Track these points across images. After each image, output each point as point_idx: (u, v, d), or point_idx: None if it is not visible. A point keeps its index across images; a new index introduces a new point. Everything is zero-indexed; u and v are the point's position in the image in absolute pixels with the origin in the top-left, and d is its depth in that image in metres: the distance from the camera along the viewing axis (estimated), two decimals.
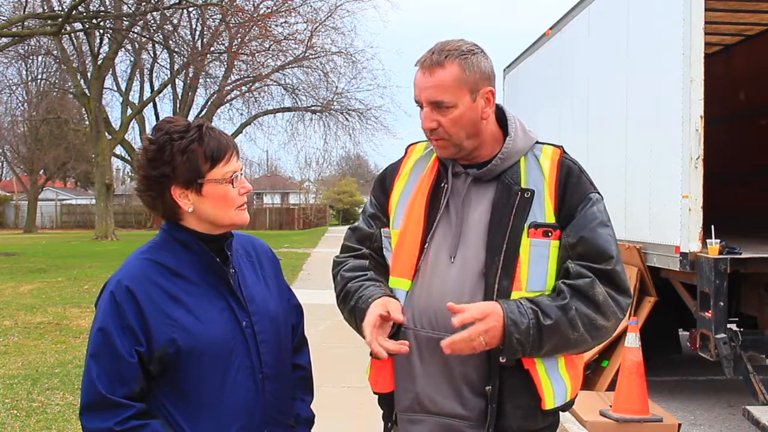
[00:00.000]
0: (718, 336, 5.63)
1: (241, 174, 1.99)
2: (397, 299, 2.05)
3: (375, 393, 2.19)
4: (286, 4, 27.69)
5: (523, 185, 2.06)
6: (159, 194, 1.95)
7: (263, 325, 2.02)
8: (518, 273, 2.01)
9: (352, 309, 2.08)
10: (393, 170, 2.25)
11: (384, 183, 2.25)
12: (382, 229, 2.19)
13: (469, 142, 2.07)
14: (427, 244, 2.09)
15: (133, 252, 2.02)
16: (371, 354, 2.04)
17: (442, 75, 2.01)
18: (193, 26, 29.99)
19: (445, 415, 2.05)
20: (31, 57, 31.78)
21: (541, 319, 1.93)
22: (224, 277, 1.99)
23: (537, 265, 2.02)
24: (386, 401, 2.14)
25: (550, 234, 2.03)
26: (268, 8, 26.89)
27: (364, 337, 1.98)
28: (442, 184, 2.12)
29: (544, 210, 2.04)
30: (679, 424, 5.35)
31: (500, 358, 1.96)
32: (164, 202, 1.96)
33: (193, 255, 1.97)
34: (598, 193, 2.11)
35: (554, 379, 2.03)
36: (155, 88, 32.49)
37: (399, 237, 2.13)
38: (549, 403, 2.02)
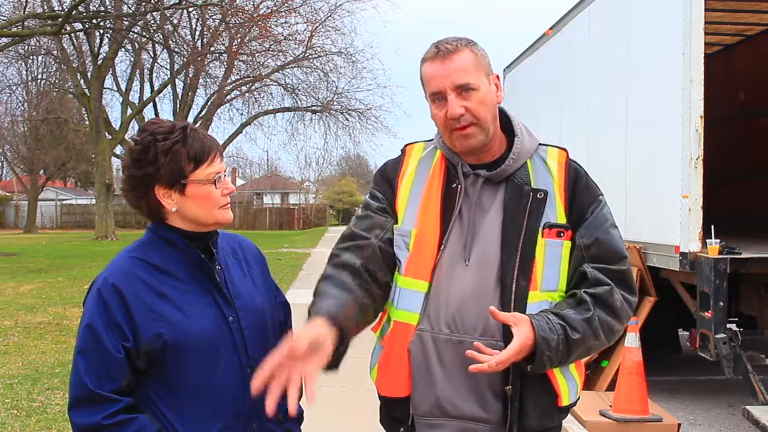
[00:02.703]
0: (718, 336, 5.63)
1: (225, 175, 2.02)
2: (331, 317, 1.88)
3: (383, 396, 2.15)
4: (286, 5, 27.71)
5: (532, 186, 2.08)
6: (143, 194, 1.99)
7: (250, 321, 2.04)
8: (534, 273, 2.02)
9: (309, 313, 1.97)
10: (395, 167, 2.21)
11: (388, 177, 2.20)
12: (395, 227, 2.14)
13: (493, 126, 2.08)
14: (442, 246, 2.07)
15: (121, 251, 2.04)
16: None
17: (460, 59, 2.02)
18: (193, 26, 30.03)
19: (466, 418, 2.04)
20: (31, 57, 31.78)
21: (569, 333, 1.95)
22: (210, 274, 2.01)
23: (551, 265, 2.04)
24: (400, 405, 2.10)
25: (562, 234, 2.05)
26: (268, 8, 26.92)
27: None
28: (454, 185, 2.10)
29: (556, 211, 2.06)
30: (679, 424, 5.35)
31: (527, 368, 1.96)
32: (148, 201, 1.99)
33: (179, 252, 2.00)
34: (603, 195, 2.14)
35: (568, 378, 2.07)
36: (155, 88, 32.49)
37: (417, 238, 2.09)
38: (565, 399, 2.06)
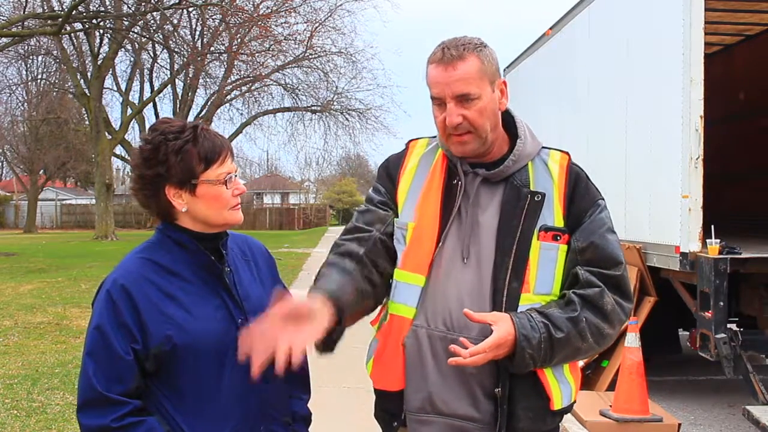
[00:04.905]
0: (718, 336, 5.63)
1: (235, 175, 2.01)
2: (334, 301, 1.86)
3: (378, 390, 2.15)
4: (286, 4, 27.72)
5: (531, 188, 2.07)
6: (153, 193, 1.97)
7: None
8: (527, 275, 2.02)
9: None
10: (397, 162, 2.22)
11: (390, 172, 2.21)
12: (395, 221, 2.15)
13: (492, 134, 2.07)
14: (441, 242, 2.07)
15: (130, 252, 2.03)
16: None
17: (465, 67, 2.00)
18: (193, 26, 30.04)
19: (457, 417, 2.04)
20: (31, 57, 31.80)
21: (552, 332, 1.94)
22: (219, 276, 2.00)
23: (545, 268, 2.03)
24: (393, 399, 2.10)
25: (559, 238, 2.04)
26: (268, 8, 26.92)
27: None
28: (455, 181, 2.11)
29: (554, 214, 2.06)
30: (679, 424, 5.35)
31: (510, 369, 1.97)
32: (158, 201, 1.98)
33: (189, 254, 1.99)
34: (603, 199, 2.13)
35: (561, 381, 2.06)
36: (155, 88, 32.49)
37: (414, 231, 2.10)
38: (557, 403, 2.04)
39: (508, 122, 2.15)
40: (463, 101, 2.01)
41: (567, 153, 2.16)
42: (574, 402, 2.13)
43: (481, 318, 1.92)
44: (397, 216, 2.15)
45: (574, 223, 2.06)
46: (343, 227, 2.30)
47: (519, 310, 1.99)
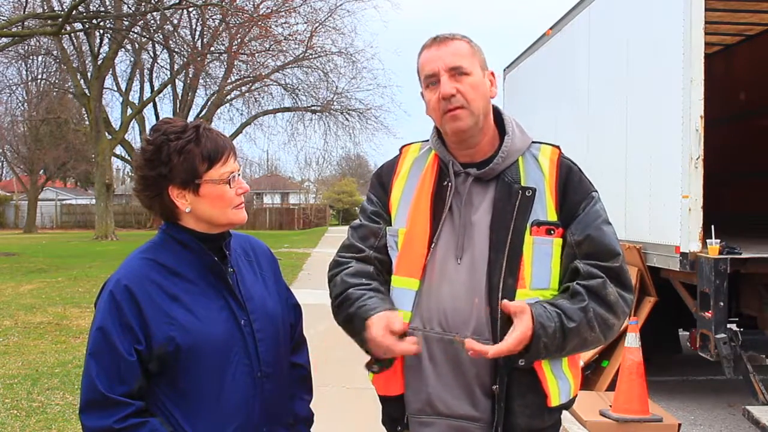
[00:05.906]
0: (718, 336, 5.63)
1: (239, 174, 2.00)
2: (396, 311, 2.00)
3: (381, 396, 2.16)
4: (286, 4, 27.72)
5: (522, 184, 2.07)
6: (156, 194, 1.97)
7: (261, 324, 2.03)
8: (522, 271, 2.01)
9: (351, 316, 2.02)
10: (390, 169, 2.23)
11: (382, 181, 2.23)
12: (387, 228, 2.16)
13: (484, 119, 2.09)
14: (434, 245, 2.08)
15: (133, 252, 2.03)
16: (372, 367, 2.04)
17: (456, 45, 2.08)
18: (193, 26, 30.05)
19: (456, 417, 2.04)
20: (31, 57, 31.78)
21: (564, 322, 1.94)
22: (223, 276, 2.00)
23: (540, 263, 2.03)
24: (395, 404, 2.12)
25: (552, 232, 2.04)
26: (268, 8, 26.92)
27: (363, 346, 2.02)
28: (445, 183, 2.11)
29: (546, 208, 2.05)
30: (679, 424, 5.35)
31: (519, 361, 1.96)
32: (162, 202, 1.97)
33: (192, 254, 1.98)
34: (597, 191, 2.13)
35: (559, 377, 2.05)
36: (155, 88, 32.49)
37: (406, 236, 2.11)
38: (555, 400, 2.04)
39: (497, 119, 2.17)
40: (456, 74, 2.04)
41: (557, 147, 2.16)
42: (575, 398, 2.12)
43: (513, 308, 1.92)
44: (390, 224, 2.16)
45: (567, 216, 2.05)
46: (342, 227, 2.31)
47: None
